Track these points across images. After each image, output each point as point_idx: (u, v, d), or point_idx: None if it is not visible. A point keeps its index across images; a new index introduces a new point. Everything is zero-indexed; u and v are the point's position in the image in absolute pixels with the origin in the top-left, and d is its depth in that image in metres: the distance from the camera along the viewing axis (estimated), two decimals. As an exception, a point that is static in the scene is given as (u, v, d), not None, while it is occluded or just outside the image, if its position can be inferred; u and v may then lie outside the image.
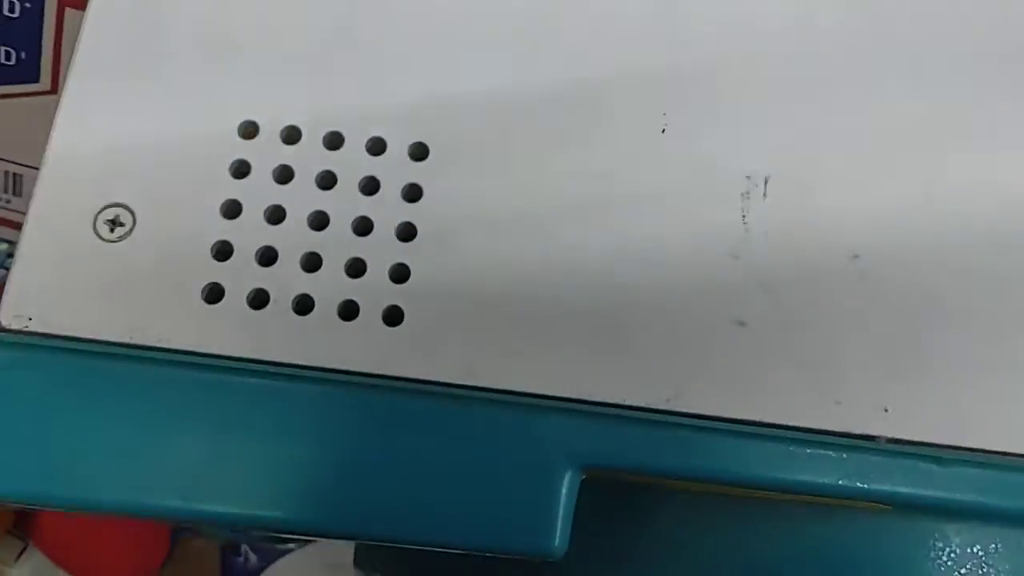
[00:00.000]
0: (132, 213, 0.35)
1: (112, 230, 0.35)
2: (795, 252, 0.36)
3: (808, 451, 0.34)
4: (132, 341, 0.34)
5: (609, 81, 0.37)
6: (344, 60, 0.37)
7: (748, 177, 0.36)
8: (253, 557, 0.84)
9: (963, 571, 0.36)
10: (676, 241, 0.36)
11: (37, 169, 0.35)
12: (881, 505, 0.35)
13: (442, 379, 0.34)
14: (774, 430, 0.34)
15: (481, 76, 0.37)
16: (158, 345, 0.34)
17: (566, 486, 0.33)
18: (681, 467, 0.34)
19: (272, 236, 0.35)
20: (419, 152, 0.36)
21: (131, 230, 0.35)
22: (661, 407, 0.34)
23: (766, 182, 0.36)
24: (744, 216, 0.36)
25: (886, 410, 0.34)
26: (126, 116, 0.36)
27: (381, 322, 0.34)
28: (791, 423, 0.34)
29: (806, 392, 0.34)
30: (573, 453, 0.33)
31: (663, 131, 0.37)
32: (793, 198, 0.36)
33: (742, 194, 0.36)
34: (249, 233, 0.35)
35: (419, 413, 0.33)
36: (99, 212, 0.35)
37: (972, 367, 0.35)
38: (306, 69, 0.37)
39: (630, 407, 0.34)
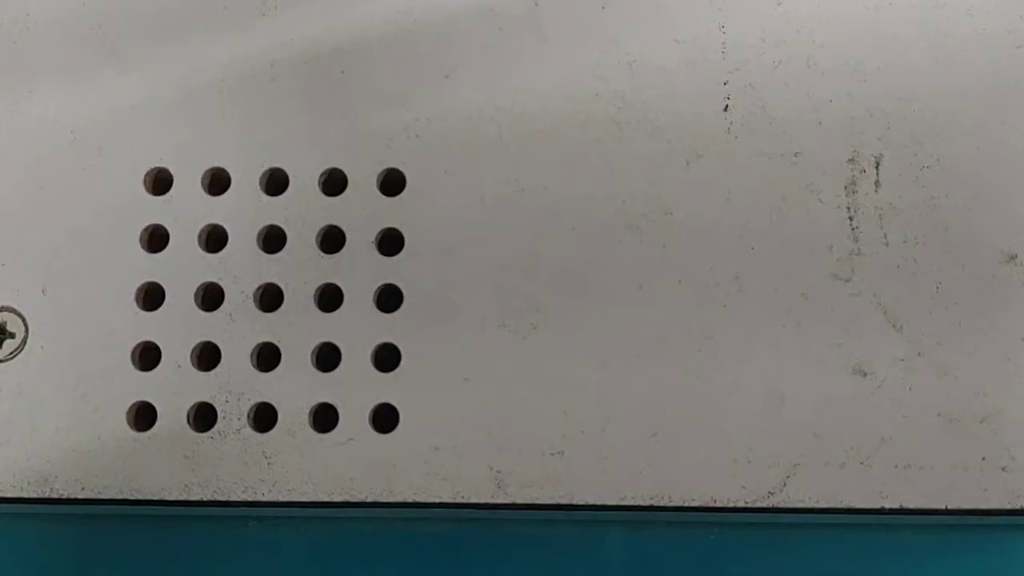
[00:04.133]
0: (22, 318, 0.26)
1: (-2, 344, 0.26)
2: (930, 262, 0.25)
3: (975, 540, 0.25)
4: (40, 495, 0.25)
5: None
6: (266, 83, 0.27)
7: (851, 160, 0.26)
8: None
9: None
10: (758, 268, 0.26)
11: None
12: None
13: (462, 499, 0.25)
14: (924, 517, 0.25)
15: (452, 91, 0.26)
16: (77, 496, 0.25)
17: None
18: (797, 579, 0.25)
19: (210, 326, 0.26)
20: (392, 182, 0.26)
21: (23, 341, 0.26)
22: (763, 504, 0.25)
23: (878, 165, 0.26)
24: (851, 217, 0.26)
25: (1078, 471, 0.25)
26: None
27: (370, 428, 0.25)
28: (946, 506, 0.25)
29: (962, 459, 0.25)
30: (649, 577, 0.25)
31: (726, 108, 0.26)
32: (920, 183, 0.26)
33: (845, 186, 0.26)
34: (178, 325, 0.26)
35: (439, 549, 0.25)
36: (-24, 323, 0.26)
37: None
38: (219, 98, 0.27)
39: (720, 508, 0.25)
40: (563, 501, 0.25)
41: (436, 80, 0.27)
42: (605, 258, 0.26)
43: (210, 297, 0.26)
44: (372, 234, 0.26)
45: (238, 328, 0.26)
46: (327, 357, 0.26)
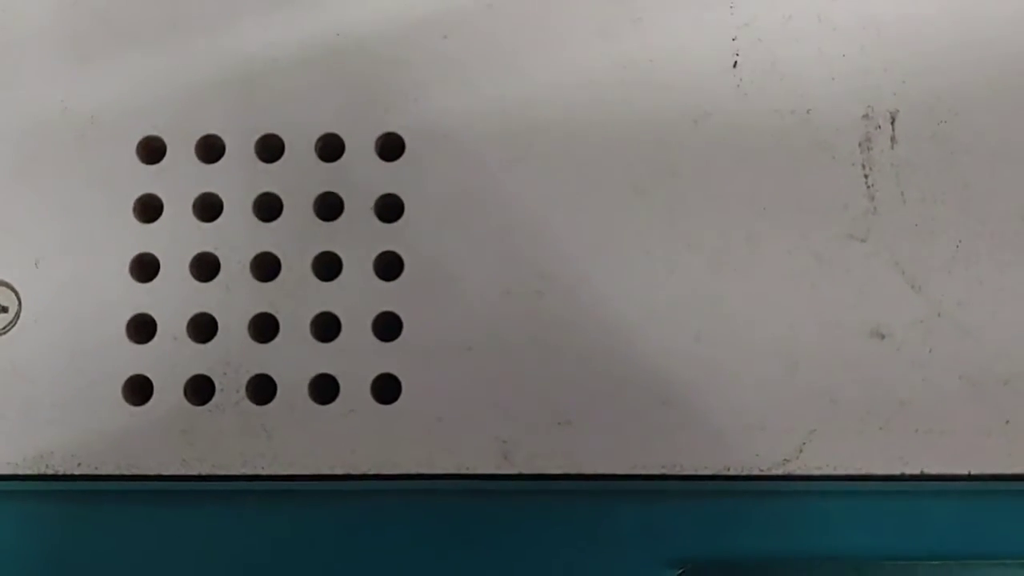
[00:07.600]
0: (15, 291, 0.25)
1: (-10, 318, 0.25)
2: (949, 220, 0.25)
3: (998, 506, 0.24)
4: (36, 471, 0.24)
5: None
6: (260, 47, 0.26)
7: (866, 116, 0.25)
8: None
9: None
10: (770, 229, 0.25)
11: None
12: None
13: (467, 470, 0.24)
14: (946, 483, 0.24)
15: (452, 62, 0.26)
16: (72, 472, 0.24)
17: (656, 593, 0.24)
18: (815, 548, 0.24)
19: (205, 296, 0.25)
20: (391, 147, 0.26)
21: (16, 315, 0.25)
22: (779, 472, 0.24)
23: (893, 120, 0.25)
24: (867, 175, 0.25)
25: (1106, 435, 0.24)
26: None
27: (371, 399, 0.25)
28: (969, 471, 0.24)
29: (985, 422, 0.24)
30: (662, 548, 0.24)
31: (735, 64, 0.25)
32: (937, 138, 0.25)
33: (860, 143, 0.25)
34: (174, 297, 0.25)
35: (444, 521, 0.24)
36: (-32, 297, 0.25)
37: None
38: (212, 63, 0.26)
39: (733, 476, 0.24)
40: (572, 471, 0.24)
41: (435, 41, 0.26)
42: (611, 222, 0.25)
43: (205, 267, 0.25)
44: (371, 200, 0.25)
45: (234, 298, 0.25)
46: (326, 327, 0.25)
